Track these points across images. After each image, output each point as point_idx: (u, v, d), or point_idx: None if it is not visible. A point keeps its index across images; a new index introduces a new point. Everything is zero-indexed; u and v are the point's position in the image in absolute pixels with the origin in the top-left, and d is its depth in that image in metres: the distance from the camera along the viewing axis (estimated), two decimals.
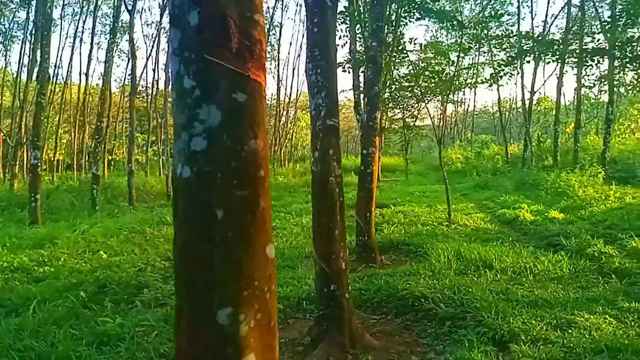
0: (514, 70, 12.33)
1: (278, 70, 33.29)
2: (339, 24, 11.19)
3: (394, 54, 10.83)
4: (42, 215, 11.85)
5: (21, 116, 21.42)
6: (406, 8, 10.22)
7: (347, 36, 12.49)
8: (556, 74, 20.18)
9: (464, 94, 32.03)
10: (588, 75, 14.39)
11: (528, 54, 10.76)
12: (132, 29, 19.65)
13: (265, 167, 1.71)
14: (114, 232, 9.36)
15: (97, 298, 5.48)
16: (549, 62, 12.17)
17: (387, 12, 9.43)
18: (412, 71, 11.71)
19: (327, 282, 4.21)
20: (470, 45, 10.46)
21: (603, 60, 11.15)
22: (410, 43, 10.67)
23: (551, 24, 24.82)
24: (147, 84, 30.99)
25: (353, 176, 16.22)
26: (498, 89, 26.18)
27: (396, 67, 13.21)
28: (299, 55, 32.76)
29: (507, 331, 4.00)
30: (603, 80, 15.29)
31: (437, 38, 30.08)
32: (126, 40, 27.82)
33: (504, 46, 12.59)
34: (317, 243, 4.32)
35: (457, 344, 3.96)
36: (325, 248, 4.25)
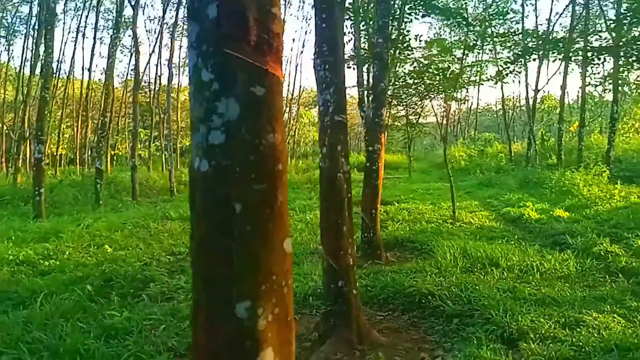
0: (519, 68, 12.29)
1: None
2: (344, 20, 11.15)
3: (399, 50, 10.79)
4: (46, 209, 11.88)
5: (24, 110, 21.44)
6: (411, 5, 10.19)
7: (351, 32, 12.44)
8: (560, 73, 20.12)
9: (467, 92, 31.89)
10: (594, 74, 14.32)
11: (534, 52, 10.72)
12: (135, 24, 19.62)
13: (282, 161, 1.70)
14: (118, 227, 9.38)
15: (104, 292, 5.51)
16: (555, 60, 12.09)
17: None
18: (416, 68, 11.67)
19: (335, 278, 4.21)
20: (476, 42, 10.40)
21: (609, 59, 11.09)
22: (416, 40, 10.64)
23: (555, 22, 24.70)
24: (149, 79, 30.97)
25: (356, 173, 16.20)
26: (502, 87, 26.16)
27: (400, 64, 13.16)
28: (301, 52, 32.87)
29: (516, 329, 4.00)
30: (608, 78, 15.22)
31: (441, 35, 29.96)
32: (129, 36, 27.90)
33: (509, 44, 12.53)
34: (325, 239, 4.32)
35: (465, 341, 3.96)
36: (333, 244, 4.25)
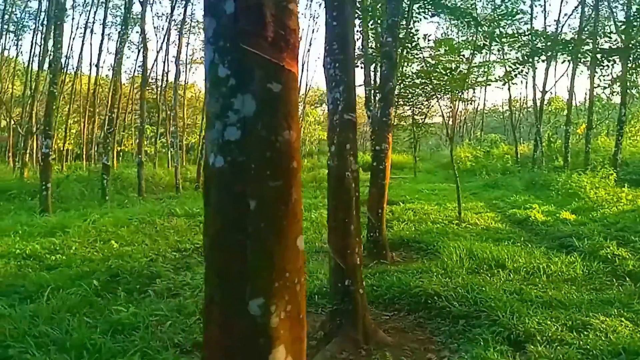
0: (528, 69, 12.23)
1: None
2: None
3: (406, 50, 10.76)
4: (52, 204, 11.93)
5: (32, 105, 21.54)
6: (420, 4, 10.16)
7: (359, 31, 12.42)
8: (567, 75, 20.02)
9: (474, 93, 31.84)
10: (604, 76, 14.23)
11: (544, 53, 10.66)
12: (144, 20, 19.67)
13: (297, 158, 1.69)
14: (124, 222, 9.40)
15: (110, 287, 5.52)
16: (564, 61, 12.04)
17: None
18: (423, 67, 11.64)
19: (342, 277, 4.20)
20: (485, 42, 10.36)
21: (620, 62, 11.01)
22: (425, 39, 10.61)
23: (564, 24, 24.55)
24: (157, 76, 31.07)
25: (362, 172, 16.17)
26: (509, 88, 26.02)
27: (408, 64, 13.15)
28: (308, 50, 32.77)
29: (523, 331, 3.98)
30: (617, 81, 15.12)
31: (448, 35, 29.89)
32: (137, 32, 27.96)
33: (518, 45, 12.47)
34: (333, 238, 4.31)
35: (471, 342, 3.95)
36: (340, 243, 4.24)
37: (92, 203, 13.33)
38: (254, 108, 1.58)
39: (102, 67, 36.01)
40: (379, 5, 10.64)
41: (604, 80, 14.36)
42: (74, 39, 28.43)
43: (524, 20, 21.85)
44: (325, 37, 4.59)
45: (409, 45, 10.23)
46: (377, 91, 13.46)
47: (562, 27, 21.91)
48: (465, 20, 9.56)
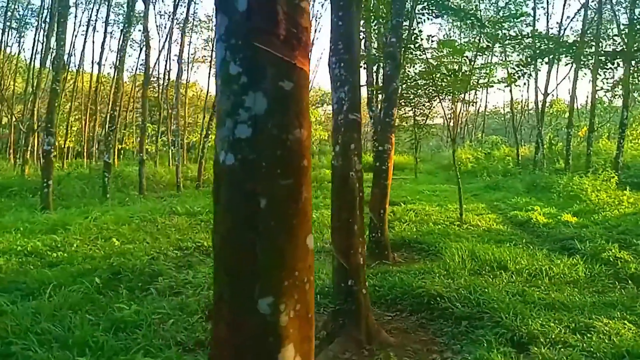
0: (532, 70, 12.22)
1: None
2: None
3: (409, 51, 10.75)
4: (53, 201, 11.92)
5: (33, 102, 21.54)
6: (424, 5, 10.14)
7: (362, 32, 12.42)
8: (569, 77, 20.04)
9: (475, 94, 31.82)
10: (607, 79, 14.22)
11: (549, 55, 10.65)
12: (147, 18, 19.65)
13: (308, 157, 1.69)
14: (125, 220, 9.40)
15: (112, 284, 5.50)
16: (567, 64, 12.04)
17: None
18: (425, 69, 11.64)
19: (345, 277, 4.20)
20: (489, 44, 10.35)
21: (623, 65, 11.01)
22: (428, 40, 10.60)
23: (566, 27, 24.58)
24: (158, 74, 31.08)
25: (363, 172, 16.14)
26: (511, 90, 26.03)
27: (411, 64, 13.13)
28: (310, 50, 32.68)
29: (526, 333, 3.97)
30: (619, 84, 15.13)
31: (450, 36, 29.90)
32: (139, 30, 27.94)
33: (522, 46, 12.46)
34: (337, 238, 4.31)
35: (474, 344, 3.94)
36: (344, 243, 4.24)
37: (93, 201, 13.32)
38: (265, 106, 1.58)
39: (104, 64, 36.00)
40: (381, 5, 10.63)
41: (607, 83, 14.35)
42: (76, 36, 28.51)
43: (527, 23, 21.88)
44: (330, 37, 4.58)
45: (412, 46, 10.22)
46: (379, 92, 13.48)
47: (565, 30, 21.96)
48: (469, 21, 9.54)
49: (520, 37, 10.17)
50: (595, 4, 19.13)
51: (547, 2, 26.02)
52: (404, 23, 9.66)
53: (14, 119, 25.28)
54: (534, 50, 12.29)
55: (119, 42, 25.39)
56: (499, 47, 13.22)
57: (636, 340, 3.87)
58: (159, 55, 28.11)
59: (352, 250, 4.24)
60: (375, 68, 14.54)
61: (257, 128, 1.58)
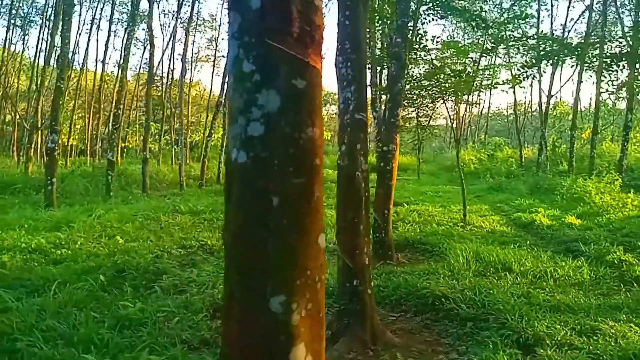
0: (537, 72, 12.19)
1: None
2: None
3: (414, 51, 10.74)
4: (56, 198, 11.94)
5: (37, 100, 21.58)
6: (429, 5, 10.13)
7: (367, 31, 12.40)
8: (573, 79, 19.99)
9: (479, 96, 31.79)
10: (612, 81, 14.18)
11: (554, 57, 10.62)
12: (151, 17, 19.68)
13: (320, 155, 1.68)
14: (129, 218, 9.41)
15: (116, 282, 5.50)
16: (572, 66, 12.02)
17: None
18: (428, 70, 11.62)
19: (350, 277, 4.19)
20: (494, 45, 10.34)
21: (628, 67, 10.97)
22: (433, 41, 10.59)
23: (570, 28, 24.52)
24: (162, 73, 31.10)
25: None
26: (514, 92, 25.99)
27: (414, 66, 13.12)
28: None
29: (532, 335, 3.96)
30: (624, 86, 15.08)
31: (453, 38, 29.85)
32: (143, 29, 27.99)
33: (527, 48, 12.43)
34: (342, 238, 4.30)
35: (480, 345, 3.93)
36: (349, 243, 4.23)
37: (96, 199, 13.33)
38: (278, 104, 1.58)
39: (107, 63, 36.06)
40: (386, 6, 10.62)
41: (612, 85, 14.31)
42: (80, 34, 28.48)
43: (531, 24, 21.83)
44: (337, 37, 4.57)
45: (417, 46, 10.20)
46: (382, 92, 13.46)
47: (569, 32, 21.91)
48: (474, 22, 9.52)
49: (525, 38, 10.12)
50: (599, 6, 19.08)
51: (551, 4, 25.87)
52: (409, 23, 9.65)
53: (17, 117, 25.35)
54: (538, 52, 12.25)
55: (122, 40, 25.40)
56: (503, 48, 13.20)
57: None
58: (163, 54, 28.22)
59: (358, 250, 4.23)
60: (378, 69, 14.51)
61: (269, 126, 1.57)
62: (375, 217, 7.29)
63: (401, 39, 7.31)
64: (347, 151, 4.36)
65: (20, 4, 26.44)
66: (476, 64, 10.84)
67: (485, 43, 10.48)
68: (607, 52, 13.88)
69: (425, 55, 10.62)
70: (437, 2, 9.82)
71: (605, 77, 14.60)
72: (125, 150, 32.40)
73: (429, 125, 20.87)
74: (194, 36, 28.26)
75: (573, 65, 12.30)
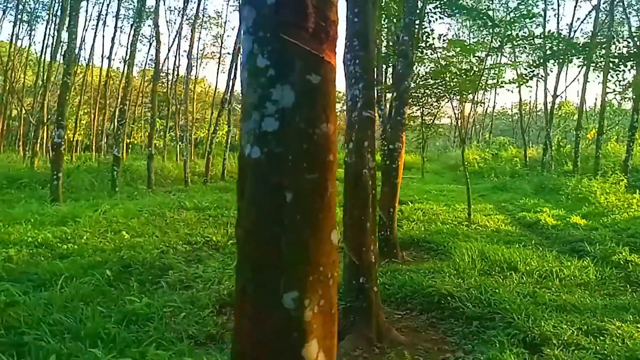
0: (543, 71, 12.14)
1: None
2: None
3: (420, 49, 10.70)
4: (62, 193, 11.98)
5: (43, 95, 21.63)
6: (436, 4, 10.09)
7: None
8: (578, 79, 19.90)
9: (484, 95, 31.69)
10: (620, 81, 14.10)
11: (561, 56, 10.57)
12: (158, 14, 19.70)
13: (334, 151, 1.68)
14: (134, 214, 9.43)
15: (122, 277, 5.52)
16: (579, 65, 11.95)
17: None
18: (433, 68, 11.59)
19: (357, 274, 4.19)
20: (500, 44, 10.30)
21: (635, 67, 10.91)
22: (439, 40, 10.55)
23: (577, 28, 24.38)
24: (167, 69, 31.14)
25: None
26: (519, 91, 25.90)
27: (419, 64, 13.07)
28: None
29: (538, 334, 3.95)
30: (630, 86, 15.00)
31: (459, 37, 29.75)
32: (149, 26, 28.00)
33: (533, 47, 12.38)
34: (349, 235, 4.30)
35: (486, 344, 3.92)
36: (356, 240, 4.23)
37: (101, 194, 13.39)
38: (293, 99, 1.57)
39: (113, 59, 36.10)
40: (393, 4, 10.58)
41: (619, 85, 14.24)
42: (86, 30, 28.44)
43: (537, 23, 21.73)
44: (345, 34, 4.56)
45: (424, 44, 10.17)
46: (387, 90, 13.43)
47: (575, 31, 21.80)
48: (482, 21, 9.48)
49: (532, 37, 10.08)
50: (606, 6, 18.97)
51: (558, 3, 25.72)
52: (415, 22, 9.62)
53: (23, 112, 25.43)
54: (544, 51, 12.20)
55: (129, 36, 25.47)
56: (509, 47, 13.14)
57: None
58: (169, 50, 28.16)
59: (364, 248, 4.23)
60: (384, 67, 14.48)
61: (284, 121, 1.57)
62: (380, 215, 7.28)
63: (408, 37, 7.29)
64: (354, 149, 4.36)
65: (27, 0, 26.52)
66: (482, 63, 10.80)
67: (492, 42, 10.44)
68: (614, 52, 13.80)
69: (431, 54, 10.58)
70: (445, 0, 9.78)
71: (612, 78, 14.53)
72: (130, 146, 32.49)
73: (433, 124, 20.82)
74: (200, 33, 28.26)
75: (580, 65, 12.23)
